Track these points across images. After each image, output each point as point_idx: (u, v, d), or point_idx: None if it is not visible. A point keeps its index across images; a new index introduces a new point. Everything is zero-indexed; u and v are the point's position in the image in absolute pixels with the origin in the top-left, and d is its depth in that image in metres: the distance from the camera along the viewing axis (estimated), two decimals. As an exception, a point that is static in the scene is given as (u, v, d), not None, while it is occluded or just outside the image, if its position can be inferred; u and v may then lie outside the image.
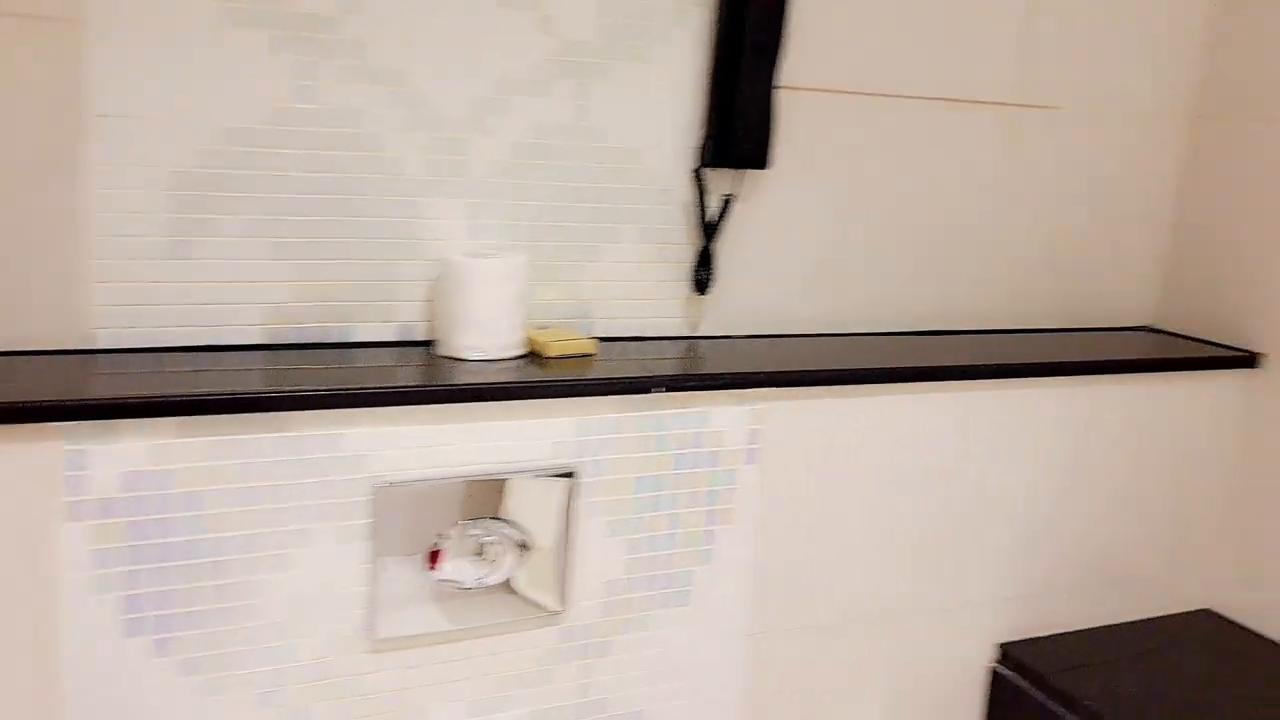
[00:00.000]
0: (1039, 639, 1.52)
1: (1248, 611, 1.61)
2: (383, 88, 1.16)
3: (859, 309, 1.50)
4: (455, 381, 1.12)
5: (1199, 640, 1.56)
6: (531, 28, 1.21)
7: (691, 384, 1.22)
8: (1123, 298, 1.70)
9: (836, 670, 1.39)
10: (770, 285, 1.43)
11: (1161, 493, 1.58)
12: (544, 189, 1.26)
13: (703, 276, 1.36)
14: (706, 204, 1.33)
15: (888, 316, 1.52)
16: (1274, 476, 1.56)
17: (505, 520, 1.22)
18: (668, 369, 1.24)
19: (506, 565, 1.20)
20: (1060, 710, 1.38)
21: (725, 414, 1.25)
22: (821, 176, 1.42)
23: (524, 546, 1.21)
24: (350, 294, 1.20)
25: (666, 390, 1.19)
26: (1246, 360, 1.58)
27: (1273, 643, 1.56)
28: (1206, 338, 1.65)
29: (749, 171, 1.36)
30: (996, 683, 1.49)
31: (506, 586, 1.22)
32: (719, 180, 1.35)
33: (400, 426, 1.09)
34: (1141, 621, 1.60)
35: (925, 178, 1.50)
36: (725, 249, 1.38)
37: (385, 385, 1.08)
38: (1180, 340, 1.66)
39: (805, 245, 1.44)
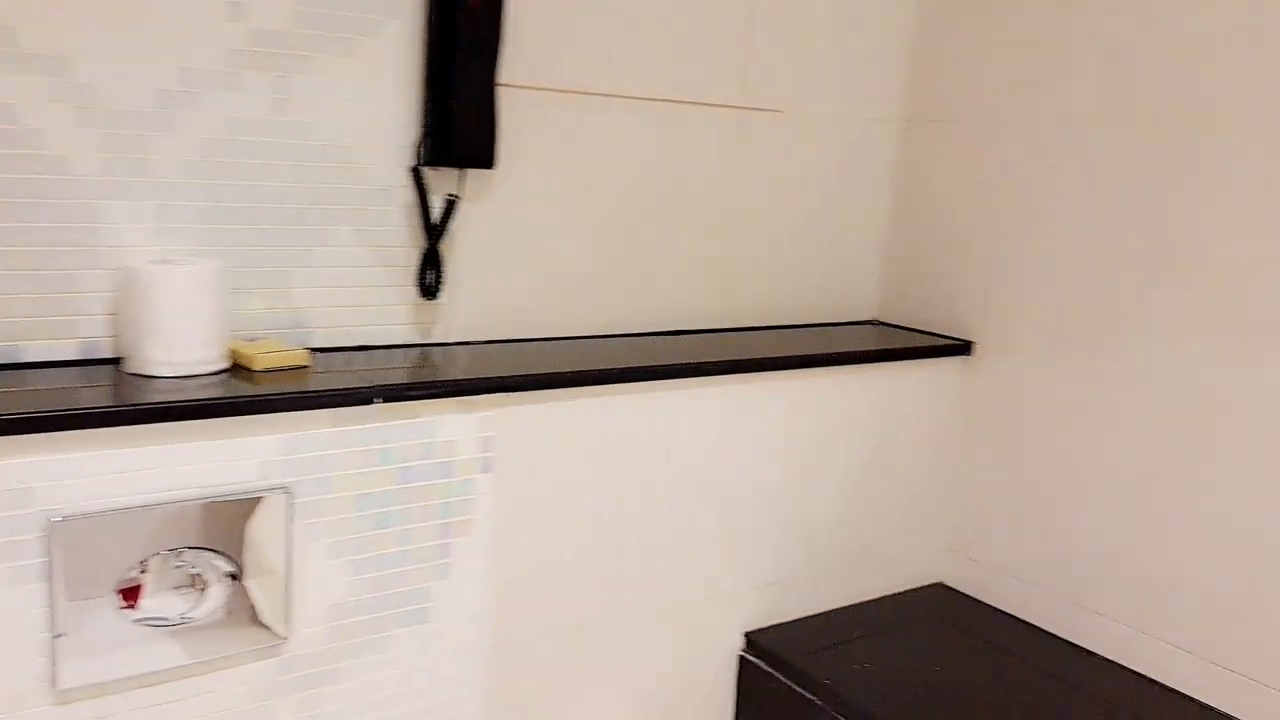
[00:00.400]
0: (784, 624, 1.56)
1: (974, 582, 1.72)
2: (41, 77, 1.04)
3: (596, 311, 1.49)
4: (139, 401, 1.01)
5: (931, 613, 1.65)
6: (220, 14, 1.13)
7: (414, 393, 1.16)
8: (849, 294, 1.79)
9: (586, 673, 1.38)
10: (505, 288, 1.40)
11: (892, 476, 1.66)
12: (243, 190, 1.18)
13: (430, 281, 1.31)
14: (429, 205, 1.29)
15: (623, 318, 1.53)
16: (989, 454, 1.68)
17: (213, 549, 1.13)
18: (391, 378, 1.18)
19: (215, 597, 1.11)
20: (803, 691, 1.43)
21: (455, 423, 1.20)
22: (552, 176, 1.41)
23: (234, 576, 1.12)
24: (17, 309, 1.08)
25: (384, 401, 1.14)
26: (961, 348, 1.69)
27: (996, 610, 1.68)
28: (926, 329, 1.76)
29: (474, 171, 1.32)
30: (744, 670, 1.52)
31: (219, 619, 1.13)
32: (442, 180, 1.31)
33: (79, 453, 0.98)
34: (879, 599, 1.68)
35: (656, 179, 1.51)
36: (455, 252, 1.34)
37: (55, 408, 0.97)
38: (902, 332, 1.76)
39: (539, 246, 1.42)
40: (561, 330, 1.47)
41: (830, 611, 1.62)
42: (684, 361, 1.39)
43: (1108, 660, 1.52)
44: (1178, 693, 1.43)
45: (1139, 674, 1.48)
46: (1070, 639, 1.57)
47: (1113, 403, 1.51)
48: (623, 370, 1.33)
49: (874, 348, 1.62)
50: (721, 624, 1.50)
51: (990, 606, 1.69)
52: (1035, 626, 1.62)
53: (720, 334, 1.62)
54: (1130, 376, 1.48)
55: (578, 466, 1.31)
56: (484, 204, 1.35)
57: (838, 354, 1.55)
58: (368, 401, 1.13)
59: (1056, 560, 1.59)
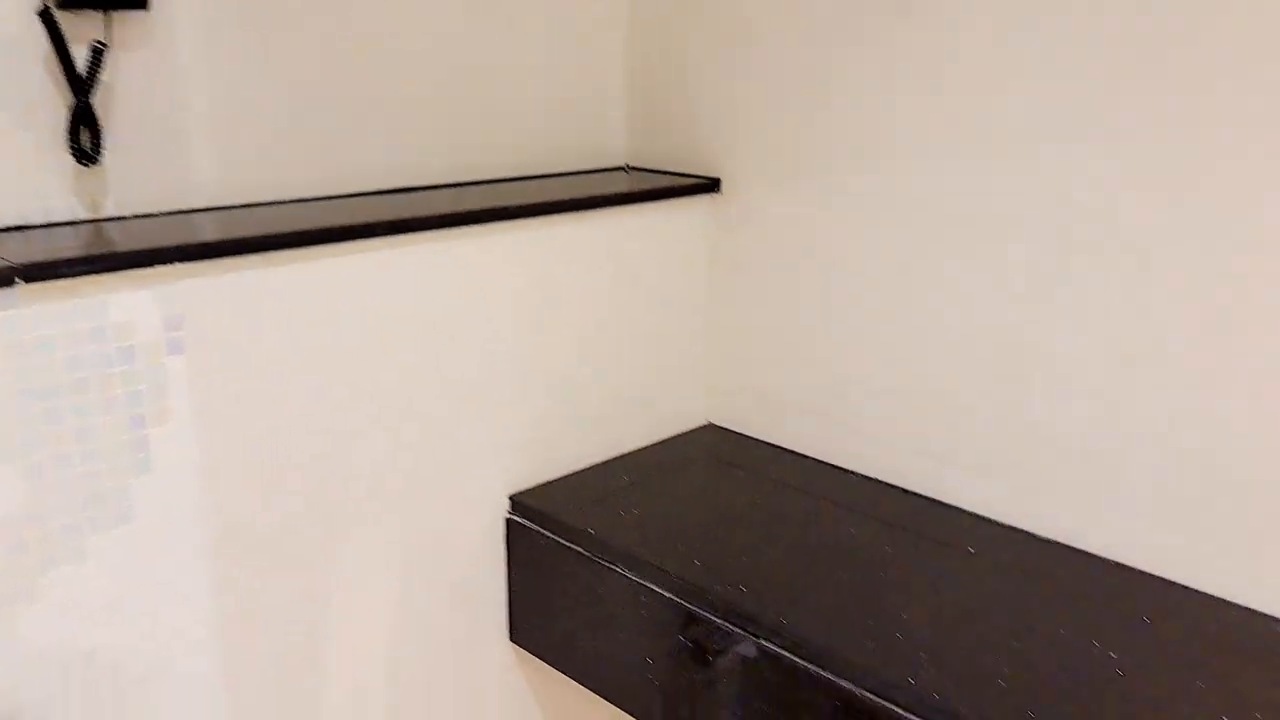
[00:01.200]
0: (551, 483, 1.53)
1: (744, 419, 1.73)
2: None
3: (304, 171, 1.36)
4: None
5: (702, 454, 1.65)
6: None
7: (68, 270, 1.02)
8: (598, 141, 1.71)
9: (337, 560, 1.30)
10: (189, 149, 1.25)
11: (648, 321, 1.63)
12: None
13: (86, 144, 1.14)
14: (71, 55, 1.11)
15: (339, 177, 1.40)
16: (746, 288, 1.67)
17: None
18: (40, 256, 1.03)
19: None
20: (571, 545, 1.40)
21: (128, 301, 1.07)
22: (227, 17, 1.25)
23: None
24: None
25: (28, 281, 0.99)
26: (709, 186, 1.65)
27: (766, 444, 1.69)
28: (677, 170, 1.71)
29: (121, 12, 1.15)
30: (512, 532, 1.48)
31: None
32: (87, 25, 1.13)
33: None
34: (648, 447, 1.66)
35: (362, 21, 1.37)
36: (116, 110, 1.17)
37: None
38: (653, 175, 1.70)
39: (226, 100, 1.27)
40: (266, 194, 1.33)
41: (598, 465, 1.59)
42: (402, 217, 1.29)
43: (874, 479, 1.56)
44: (942, 503, 1.49)
45: (907, 490, 1.52)
46: (840, 464, 1.61)
47: (861, 223, 1.50)
48: (329, 230, 1.21)
49: (620, 191, 1.56)
50: (482, 489, 1.45)
51: (761, 441, 1.70)
52: (806, 456, 1.64)
53: (458, 188, 1.51)
54: (876, 195, 1.48)
55: (296, 337, 1.20)
56: (143, 51, 1.18)
57: (581, 200, 1.48)
58: (7, 283, 0.98)
59: (821, 387, 1.61)
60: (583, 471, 1.57)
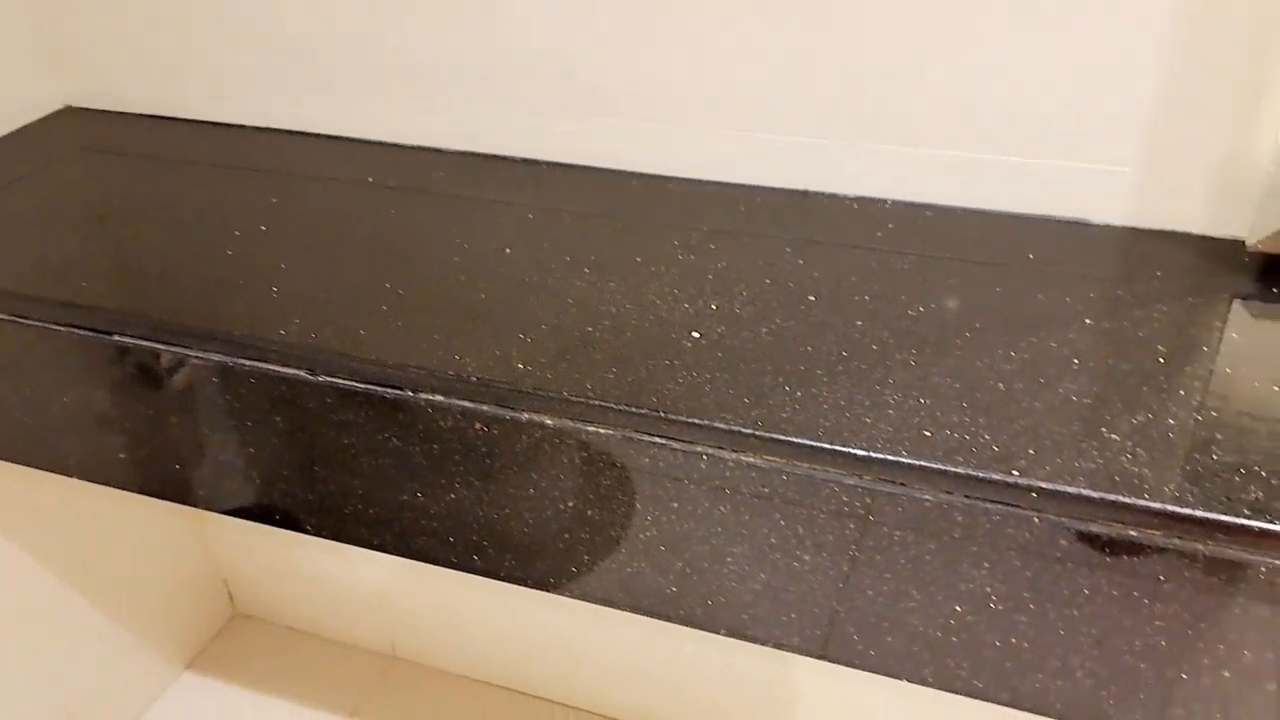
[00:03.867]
0: None
1: (111, 93, 1.44)
2: None
3: None
4: None
5: (59, 144, 1.37)
6: None
7: None
8: None
9: None
10: None
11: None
12: None
13: None
14: None
15: None
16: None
17: None
18: None
19: None
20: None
21: None
22: None
23: None
24: None
25: None
26: None
27: (142, 117, 1.44)
28: None
29: None
30: None
31: None
32: None
33: None
34: (-16, 146, 1.35)
35: None
36: None
37: None
38: None
39: None
40: None
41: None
42: None
43: (263, 128, 1.38)
44: (330, 136, 1.36)
45: (300, 132, 1.37)
46: (230, 121, 1.40)
47: None
48: None
49: None
50: None
51: (136, 115, 1.44)
52: (193, 121, 1.42)
53: None
54: None
55: None
56: None
57: None
58: None
59: (191, 44, 1.36)
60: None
